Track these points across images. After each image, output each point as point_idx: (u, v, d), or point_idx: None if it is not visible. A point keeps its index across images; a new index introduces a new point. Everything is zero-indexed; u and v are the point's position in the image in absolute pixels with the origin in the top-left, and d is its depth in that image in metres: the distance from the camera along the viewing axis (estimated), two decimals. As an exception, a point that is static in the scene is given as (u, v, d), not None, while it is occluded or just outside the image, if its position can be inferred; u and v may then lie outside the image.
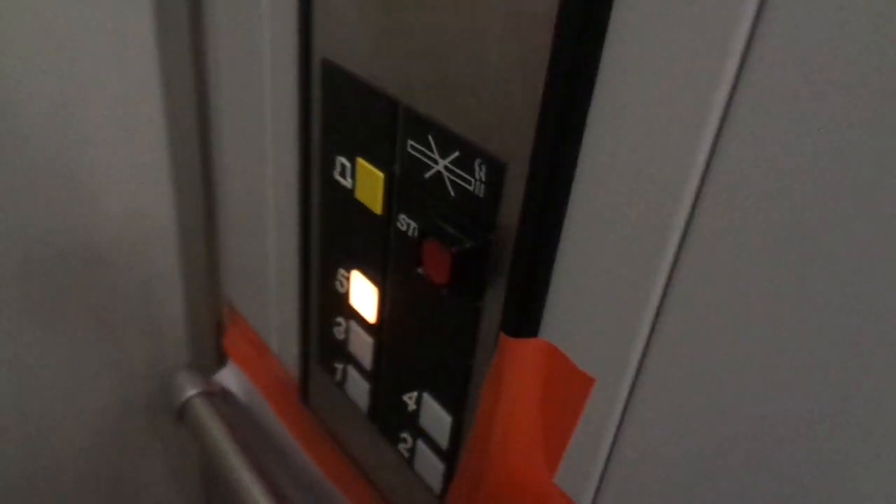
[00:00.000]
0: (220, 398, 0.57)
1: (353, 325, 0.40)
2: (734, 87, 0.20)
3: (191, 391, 0.56)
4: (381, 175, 0.33)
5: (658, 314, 0.24)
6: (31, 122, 0.46)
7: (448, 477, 0.36)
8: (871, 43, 0.17)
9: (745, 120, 0.20)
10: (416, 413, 0.37)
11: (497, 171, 0.27)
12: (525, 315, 0.29)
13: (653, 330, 0.24)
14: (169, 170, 0.53)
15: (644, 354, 0.25)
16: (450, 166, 0.29)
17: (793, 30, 0.18)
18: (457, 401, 0.34)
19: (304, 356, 0.46)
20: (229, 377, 0.58)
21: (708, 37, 0.20)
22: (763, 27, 0.19)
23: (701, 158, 0.21)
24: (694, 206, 0.22)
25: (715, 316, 0.22)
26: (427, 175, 0.31)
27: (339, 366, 0.42)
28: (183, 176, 0.54)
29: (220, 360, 0.61)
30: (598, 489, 0.29)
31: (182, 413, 0.56)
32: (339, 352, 0.42)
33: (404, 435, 0.38)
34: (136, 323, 0.59)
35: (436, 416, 0.35)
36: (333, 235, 0.39)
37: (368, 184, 0.34)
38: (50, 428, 0.59)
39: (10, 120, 0.45)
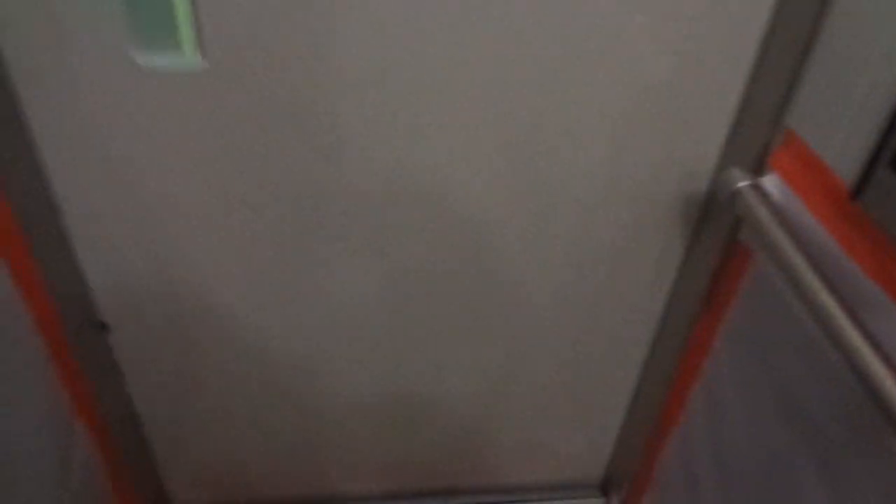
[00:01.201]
0: (765, 195, 0.70)
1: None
2: None
3: (742, 182, 0.70)
4: None
5: None
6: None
7: None
8: None
9: None
10: None
11: None
12: None
13: None
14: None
15: None
16: None
17: None
18: None
19: (870, 163, 0.57)
20: (773, 183, 0.71)
21: None
22: None
23: None
24: None
25: None
26: None
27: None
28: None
29: (763, 171, 0.73)
30: None
31: (731, 201, 0.71)
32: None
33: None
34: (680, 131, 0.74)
35: None
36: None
37: None
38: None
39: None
